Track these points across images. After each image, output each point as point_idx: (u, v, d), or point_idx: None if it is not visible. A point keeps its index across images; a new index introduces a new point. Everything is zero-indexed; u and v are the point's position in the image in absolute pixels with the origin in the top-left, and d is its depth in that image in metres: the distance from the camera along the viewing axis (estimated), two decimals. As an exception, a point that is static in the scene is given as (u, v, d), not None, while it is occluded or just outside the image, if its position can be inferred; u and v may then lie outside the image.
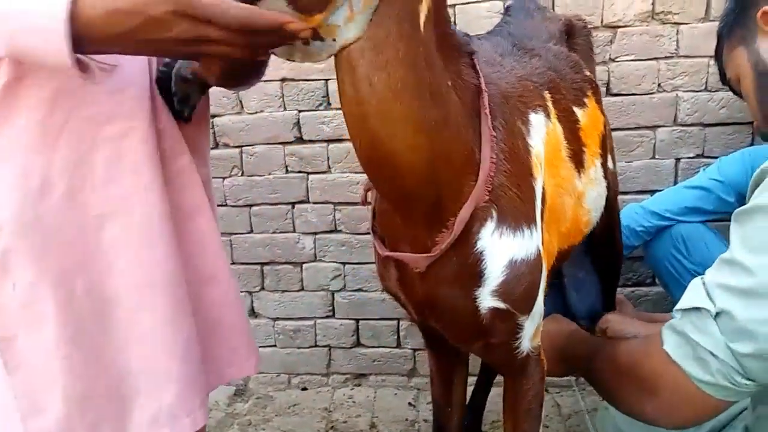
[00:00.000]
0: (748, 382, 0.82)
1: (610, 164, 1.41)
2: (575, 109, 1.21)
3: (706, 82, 2.09)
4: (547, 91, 1.10)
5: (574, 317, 1.54)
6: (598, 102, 1.37)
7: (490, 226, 0.87)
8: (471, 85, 0.87)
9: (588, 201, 1.21)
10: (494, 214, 0.87)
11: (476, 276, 0.88)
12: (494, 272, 0.88)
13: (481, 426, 1.94)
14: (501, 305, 0.89)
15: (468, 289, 0.89)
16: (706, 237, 1.82)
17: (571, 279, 1.56)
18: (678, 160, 2.17)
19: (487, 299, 0.89)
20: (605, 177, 1.33)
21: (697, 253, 1.79)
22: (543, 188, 0.97)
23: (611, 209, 1.47)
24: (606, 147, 1.36)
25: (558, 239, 1.07)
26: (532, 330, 0.97)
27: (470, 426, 1.87)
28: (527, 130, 0.97)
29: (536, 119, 1.01)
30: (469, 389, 1.89)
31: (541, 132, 1.01)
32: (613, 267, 1.64)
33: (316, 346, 2.45)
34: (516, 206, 0.89)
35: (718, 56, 1.41)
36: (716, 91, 2.08)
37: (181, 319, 0.93)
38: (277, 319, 2.45)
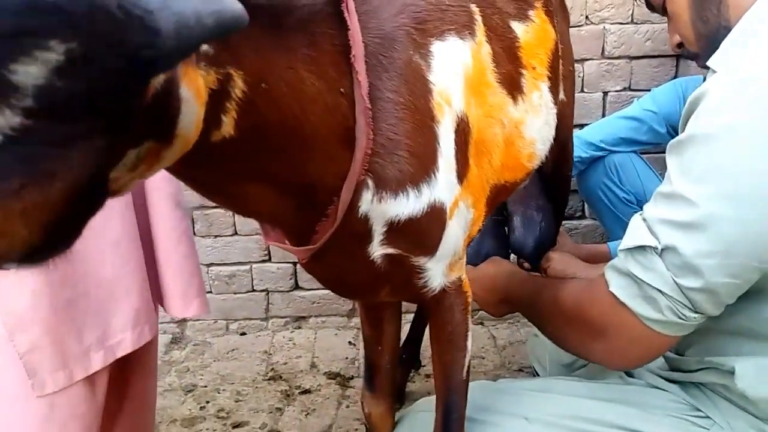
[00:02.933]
0: (696, 315, 0.83)
1: (562, 94, 1.31)
2: (514, 24, 1.10)
3: (632, 15, 2.11)
4: (474, 5, 1.00)
5: (520, 254, 1.55)
6: (550, 15, 1.23)
7: (367, 195, 0.82)
8: (330, 50, 0.77)
9: (530, 130, 1.11)
10: (371, 184, 0.82)
11: (365, 236, 0.86)
12: (379, 229, 0.85)
13: (418, 356, 1.98)
14: (391, 251, 0.88)
15: (361, 250, 0.87)
16: (638, 166, 1.87)
17: (520, 216, 1.53)
18: (606, 93, 2.21)
19: (377, 249, 0.87)
20: (555, 103, 1.22)
21: (629, 182, 1.85)
22: (460, 124, 0.91)
23: (562, 142, 1.38)
24: (556, 70, 1.24)
25: (491, 173, 1.03)
26: (443, 268, 0.95)
27: (408, 357, 1.89)
28: (428, 64, 0.88)
29: (444, 47, 0.91)
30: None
31: (456, 59, 0.93)
32: (562, 201, 1.61)
33: (253, 291, 2.42)
34: (401, 168, 0.83)
35: None
36: (642, 23, 2.11)
37: (136, 237, 1.04)
38: (212, 264, 2.39)
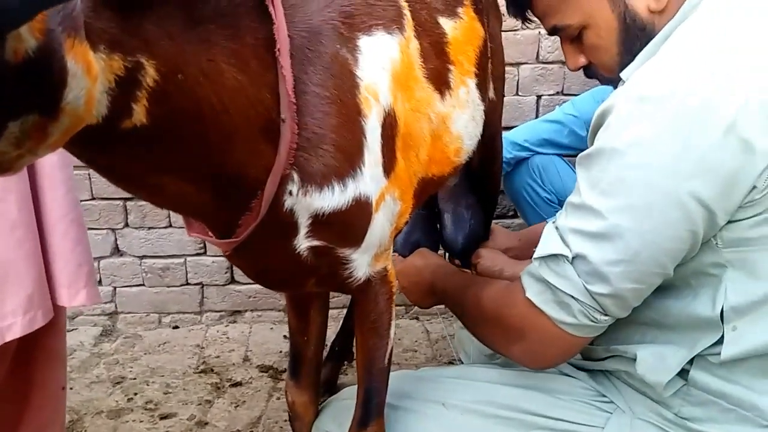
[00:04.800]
0: (607, 318, 0.88)
1: (491, 93, 1.33)
2: (442, 20, 1.11)
3: (566, 22, 2.18)
4: (404, 0, 1.01)
5: (450, 251, 1.58)
6: (479, 13, 1.23)
7: (293, 188, 0.83)
8: (254, 43, 0.76)
9: (457, 125, 1.13)
10: (296, 177, 0.82)
11: (290, 229, 0.87)
12: (304, 222, 0.86)
13: (352, 349, 1.99)
14: (317, 243, 0.89)
15: (286, 243, 0.88)
16: (560, 167, 1.95)
17: (449, 214, 1.56)
18: (539, 97, 2.28)
19: (303, 242, 0.88)
20: (483, 100, 1.23)
21: (550, 183, 1.92)
22: (387, 118, 0.93)
23: (490, 139, 1.39)
24: (485, 67, 1.25)
25: (418, 166, 1.05)
26: (368, 259, 0.97)
27: (341, 349, 1.91)
28: (355, 59, 0.88)
29: (371, 42, 0.92)
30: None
31: (384, 54, 0.94)
32: (491, 200, 1.65)
33: (187, 284, 2.39)
34: (326, 162, 0.84)
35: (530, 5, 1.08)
36: (575, 30, 2.18)
37: (32, 222, 1.04)
38: (144, 257, 2.36)
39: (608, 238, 0.83)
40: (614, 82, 1.03)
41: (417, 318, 2.40)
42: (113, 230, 2.33)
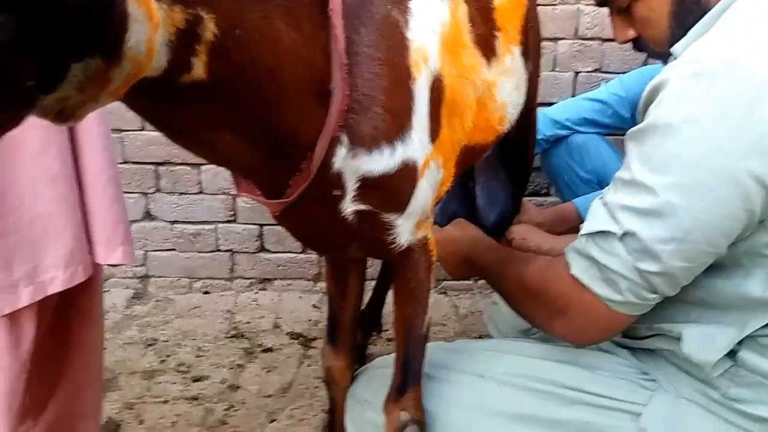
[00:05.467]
0: (655, 296, 0.87)
1: (529, 64, 1.31)
2: None
3: (609, -4, 2.14)
4: None
5: (483, 226, 1.57)
6: None
7: (341, 151, 0.83)
8: (308, 3, 0.77)
9: (502, 93, 1.12)
10: (345, 139, 0.82)
11: (338, 192, 0.87)
12: (351, 185, 0.86)
13: (380, 317, 2.00)
14: (362, 207, 0.89)
15: (333, 206, 0.88)
16: (601, 147, 1.91)
17: (483, 187, 1.55)
18: (577, 73, 2.24)
19: (349, 206, 0.88)
20: (526, 69, 1.22)
21: (590, 163, 1.89)
22: (435, 83, 0.92)
23: (527, 110, 1.38)
24: (528, 36, 1.25)
25: (462, 134, 1.04)
26: (411, 226, 0.96)
27: (370, 320, 1.92)
28: (405, 20, 0.87)
29: (422, 4, 0.91)
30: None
31: (434, 16, 0.93)
32: (524, 174, 1.64)
33: (218, 250, 2.42)
34: (376, 125, 0.83)
35: None
36: (617, 5, 2.13)
37: (72, 176, 1.03)
38: (176, 222, 2.38)
39: (660, 216, 0.81)
40: (663, 56, 1.01)
41: (445, 293, 2.40)
42: (145, 194, 2.35)
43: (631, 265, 0.85)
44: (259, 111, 0.75)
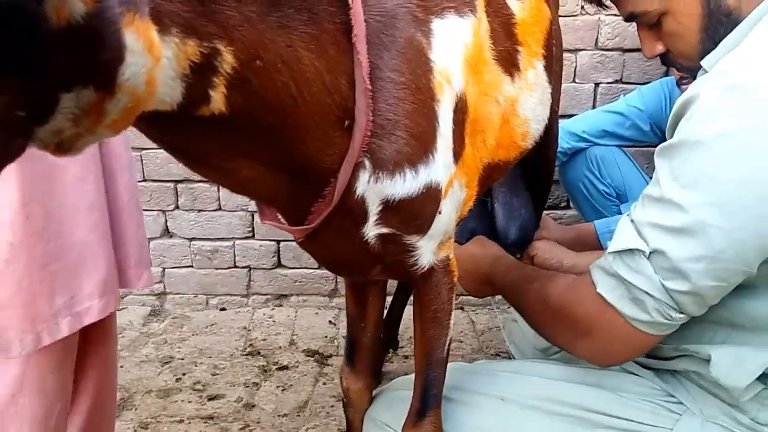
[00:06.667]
0: (682, 316, 0.84)
1: (552, 79, 1.27)
2: (510, 1, 1.08)
3: (628, 7, 2.11)
4: None
5: (503, 243, 1.54)
6: None
7: (364, 176, 0.81)
8: (331, 29, 0.75)
9: (525, 108, 1.10)
10: (368, 164, 0.81)
11: (360, 217, 0.85)
12: (374, 209, 0.84)
13: (397, 337, 1.98)
14: (385, 230, 0.87)
15: (355, 230, 0.86)
16: (619, 160, 1.88)
17: (503, 202, 1.52)
18: (597, 84, 2.21)
19: (371, 230, 0.86)
20: (549, 83, 1.20)
21: (609, 176, 1.86)
22: (459, 103, 0.90)
23: (548, 124, 1.33)
24: (551, 49, 1.23)
25: (485, 152, 1.02)
26: (433, 246, 0.95)
27: (386, 337, 1.90)
28: (429, 42, 0.86)
29: (444, 25, 0.89)
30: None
31: (457, 37, 0.91)
32: (544, 188, 1.60)
33: (235, 267, 2.41)
34: (399, 149, 0.82)
35: None
36: (637, 16, 2.10)
37: (105, 205, 1.04)
38: (194, 239, 2.38)
39: (690, 234, 0.78)
40: (693, 70, 0.98)
41: (462, 308, 2.37)
42: (164, 212, 2.35)
43: (658, 284, 0.82)
44: (281, 140, 0.74)
